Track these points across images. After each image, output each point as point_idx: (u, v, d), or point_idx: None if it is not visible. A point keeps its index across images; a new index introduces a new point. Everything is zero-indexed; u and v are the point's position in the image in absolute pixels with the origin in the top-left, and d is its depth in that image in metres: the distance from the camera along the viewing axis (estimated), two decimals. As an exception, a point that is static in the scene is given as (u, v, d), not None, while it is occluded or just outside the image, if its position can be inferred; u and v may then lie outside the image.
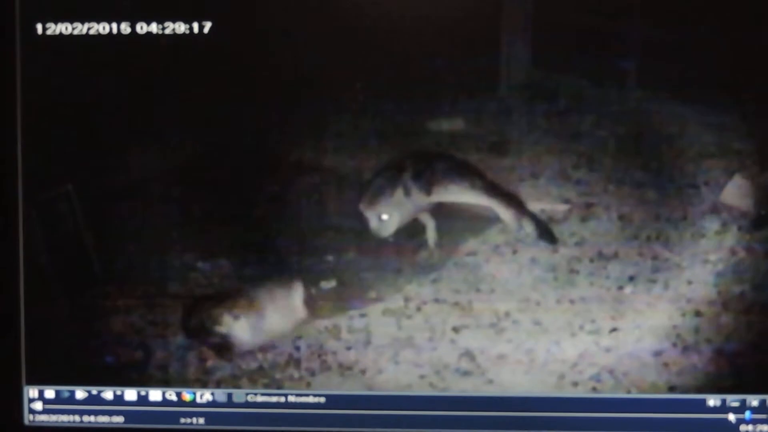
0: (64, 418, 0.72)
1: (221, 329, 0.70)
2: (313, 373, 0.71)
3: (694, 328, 0.70)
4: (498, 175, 0.71)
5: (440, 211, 0.72)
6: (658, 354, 0.70)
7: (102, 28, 0.71)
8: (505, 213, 0.68)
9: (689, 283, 0.69)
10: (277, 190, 0.72)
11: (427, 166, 0.68)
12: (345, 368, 0.71)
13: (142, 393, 0.72)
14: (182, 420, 0.72)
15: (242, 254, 0.72)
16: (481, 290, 0.70)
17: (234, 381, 0.72)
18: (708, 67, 0.70)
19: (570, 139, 0.71)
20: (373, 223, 0.69)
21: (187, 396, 0.72)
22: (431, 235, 0.72)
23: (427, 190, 0.68)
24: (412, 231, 0.72)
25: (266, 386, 0.72)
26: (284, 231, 0.72)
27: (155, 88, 0.72)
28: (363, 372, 0.71)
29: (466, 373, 0.70)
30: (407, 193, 0.68)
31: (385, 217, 0.68)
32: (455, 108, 0.71)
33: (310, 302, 0.70)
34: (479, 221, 0.72)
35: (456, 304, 0.70)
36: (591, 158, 0.71)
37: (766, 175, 0.71)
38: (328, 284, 0.72)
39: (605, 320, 0.70)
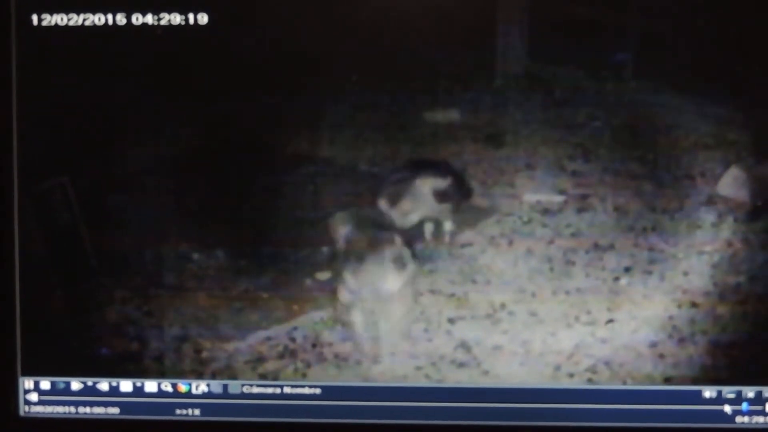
0: (60, 409, 0.73)
1: None
2: (308, 365, 0.72)
3: (690, 320, 0.70)
4: (494, 167, 0.73)
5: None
6: (654, 345, 0.70)
7: (98, 19, 0.72)
8: None
9: (685, 274, 0.70)
10: (273, 181, 0.73)
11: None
12: (341, 359, 0.72)
13: (138, 384, 0.73)
14: (178, 411, 0.73)
15: (237, 246, 0.74)
16: (477, 281, 0.71)
17: (229, 372, 0.73)
18: (704, 58, 0.71)
19: (566, 130, 0.71)
20: (397, 219, 0.70)
21: (182, 387, 0.73)
22: (428, 226, 0.73)
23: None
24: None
25: (262, 377, 0.72)
26: (280, 222, 0.73)
27: (151, 80, 0.73)
28: (359, 363, 0.72)
29: (461, 365, 0.71)
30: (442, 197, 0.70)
31: (407, 211, 0.70)
32: (451, 99, 0.71)
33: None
34: (475, 212, 0.73)
35: (452, 295, 0.71)
36: (587, 149, 0.72)
37: (762, 166, 0.71)
38: (324, 276, 0.74)
39: (601, 311, 0.71)
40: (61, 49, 0.72)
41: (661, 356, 0.71)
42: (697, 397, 0.71)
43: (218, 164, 0.74)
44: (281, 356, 0.72)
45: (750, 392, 0.70)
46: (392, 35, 0.72)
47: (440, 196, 0.71)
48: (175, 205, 0.73)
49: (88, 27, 0.72)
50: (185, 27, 0.72)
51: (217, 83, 0.73)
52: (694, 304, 0.70)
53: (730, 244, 0.70)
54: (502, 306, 0.71)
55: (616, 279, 0.70)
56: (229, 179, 0.73)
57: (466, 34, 0.71)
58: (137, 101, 0.73)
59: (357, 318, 0.73)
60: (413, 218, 0.70)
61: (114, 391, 0.73)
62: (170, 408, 0.73)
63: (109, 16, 0.72)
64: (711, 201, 0.71)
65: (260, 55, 0.72)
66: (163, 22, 0.72)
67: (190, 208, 0.73)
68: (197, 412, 0.72)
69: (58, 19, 0.72)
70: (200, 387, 0.73)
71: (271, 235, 0.73)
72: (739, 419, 0.71)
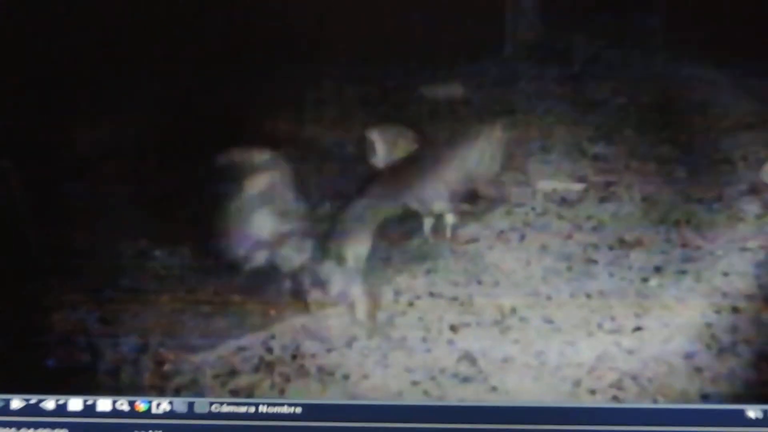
0: (-2, 431, 0.72)
1: None
2: (287, 379, 0.69)
3: (731, 327, 0.68)
4: (503, 150, 0.71)
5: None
6: (689, 357, 0.68)
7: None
8: None
9: (725, 274, 0.68)
10: (249, 166, 0.71)
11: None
12: (325, 373, 0.69)
13: (89, 402, 0.68)
14: (136, 433, 0.72)
15: (206, 241, 0.71)
16: (484, 282, 0.69)
17: (196, 387, 0.69)
18: (745, 23, 0.68)
19: (586, 107, 0.70)
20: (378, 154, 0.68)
21: (141, 406, 0.68)
22: (427, 220, 0.71)
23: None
24: (402, 214, 0.71)
25: (234, 394, 0.69)
26: (256, 214, 0.71)
27: (108, 53, 0.70)
28: (346, 377, 0.69)
29: (465, 379, 0.68)
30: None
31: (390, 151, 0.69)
32: (453, 72, 0.70)
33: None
34: (481, 202, 0.71)
35: (454, 298, 0.69)
36: (610, 130, 0.70)
37: (814, 149, 0.71)
38: (307, 274, 0.71)
39: (627, 317, 0.68)
40: (6, 26, 0.69)
41: (698, 369, 0.67)
42: (740, 418, 0.66)
43: (185, 147, 0.71)
44: (256, 369, 0.69)
45: (801, 412, 0.70)
46: (386, -1, 0.71)
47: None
48: (134, 195, 0.71)
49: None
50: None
51: (185, 55, 0.70)
52: (735, 309, 0.68)
53: (776, 239, 0.70)
54: (513, 311, 0.69)
55: (645, 280, 0.68)
56: (198, 164, 0.71)
57: (471, -3, 0.71)
58: (93, 76, 0.71)
59: (344, 324, 0.70)
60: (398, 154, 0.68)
61: (61, 410, 0.68)
62: (127, 430, 0.68)
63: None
64: (754, 189, 0.70)
65: (233, 20, 0.70)
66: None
67: (151, 198, 0.71)
68: (159, 434, 0.71)
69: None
70: (162, 406, 0.68)
71: (246, 228, 0.71)
72: (787, 443, 0.69)
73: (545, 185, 0.70)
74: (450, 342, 0.69)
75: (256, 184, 0.70)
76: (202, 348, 0.69)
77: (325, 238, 0.70)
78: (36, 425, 0.68)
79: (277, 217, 0.70)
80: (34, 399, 0.68)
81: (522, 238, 0.69)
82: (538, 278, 0.69)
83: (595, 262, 0.68)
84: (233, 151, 0.70)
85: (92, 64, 0.70)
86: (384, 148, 0.69)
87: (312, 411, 0.67)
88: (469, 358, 0.68)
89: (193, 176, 0.70)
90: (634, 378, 0.67)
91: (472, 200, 0.71)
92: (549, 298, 0.68)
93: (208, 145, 0.70)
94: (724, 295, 0.67)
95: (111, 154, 0.70)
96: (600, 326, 0.68)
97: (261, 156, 0.70)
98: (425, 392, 0.68)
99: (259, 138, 0.70)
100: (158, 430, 0.68)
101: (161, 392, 0.69)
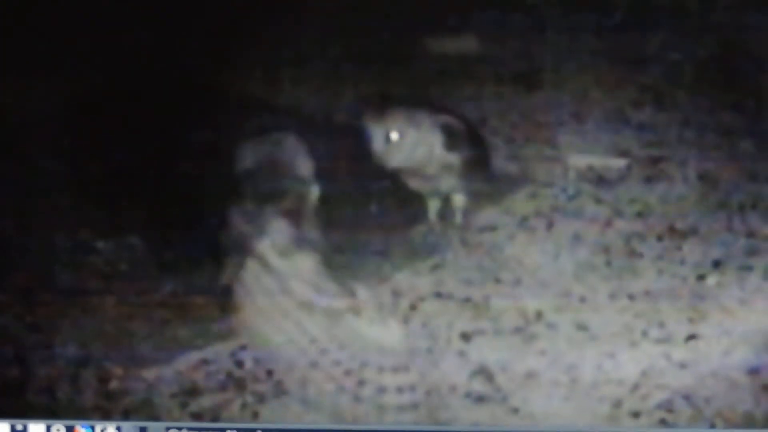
0: None
1: None
2: (261, 399, 0.65)
3: (807, 336, 0.66)
4: (525, 117, 0.68)
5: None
6: (754, 372, 0.65)
7: None
8: None
9: (800, 270, 0.65)
10: (213, 137, 0.67)
11: None
12: (308, 391, 0.65)
13: (19, 427, 0.65)
14: (75, 465, 0.66)
15: (161, 230, 0.67)
16: (502, 281, 0.67)
17: (149, 410, 0.66)
18: None
19: (629, 65, 0.68)
20: (378, 144, 0.64)
21: (81, 431, 0.65)
22: (432, 202, 0.67)
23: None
24: (403, 195, 0.67)
25: (195, 417, 0.65)
26: (221, 194, 0.66)
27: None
28: (334, 396, 0.65)
29: (480, 399, 0.65)
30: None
31: (395, 136, 0.64)
32: (465, 22, 0.67)
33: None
34: (498, 182, 0.68)
35: (466, 300, 0.66)
36: (660, 93, 0.68)
37: None
38: (284, 270, 0.65)
39: (679, 324, 0.65)
40: None
41: (766, 388, 0.64)
42: (816, 447, 0.66)
43: (135, 114, 0.67)
44: (223, 387, 0.66)
45: None
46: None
47: (450, 135, 0.65)
48: (72, 172, 0.67)
49: None
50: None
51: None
52: (813, 314, 0.66)
53: None
54: (538, 315, 0.66)
55: (701, 277, 0.66)
56: (150, 134, 0.66)
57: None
58: (21, 25, 0.65)
59: (331, 329, 0.66)
60: (409, 153, 0.65)
61: (-15, 437, 0.66)
62: (64, 461, 0.68)
63: None
64: (838, 167, 0.68)
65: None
66: None
67: (93, 176, 0.67)
68: (103, 466, 0.66)
69: None
70: (107, 431, 0.65)
71: (210, 214, 0.66)
72: None
73: (579, 161, 0.68)
74: (461, 353, 0.66)
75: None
76: (156, 361, 0.67)
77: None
78: (-48, 455, 0.66)
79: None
80: (-48, 424, 0.66)
81: (550, 225, 0.68)
82: (569, 276, 0.66)
83: (639, 255, 0.66)
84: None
85: (20, 13, 0.65)
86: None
87: (292, 438, 0.64)
88: (484, 373, 0.66)
89: (146, 150, 0.66)
90: (687, 398, 0.65)
91: (487, 178, 0.67)
92: (583, 299, 0.66)
93: (163, 111, 0.66)
94: (799, 296, 0.65)
95: (44, 122, 0.66)
96: (645, 334, 0.66)
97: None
98: (429, 414, 0.65)
99: (225, 103, 0.66)
100: (102, 461, 0.66)
101: (106, 415, 0.66)
